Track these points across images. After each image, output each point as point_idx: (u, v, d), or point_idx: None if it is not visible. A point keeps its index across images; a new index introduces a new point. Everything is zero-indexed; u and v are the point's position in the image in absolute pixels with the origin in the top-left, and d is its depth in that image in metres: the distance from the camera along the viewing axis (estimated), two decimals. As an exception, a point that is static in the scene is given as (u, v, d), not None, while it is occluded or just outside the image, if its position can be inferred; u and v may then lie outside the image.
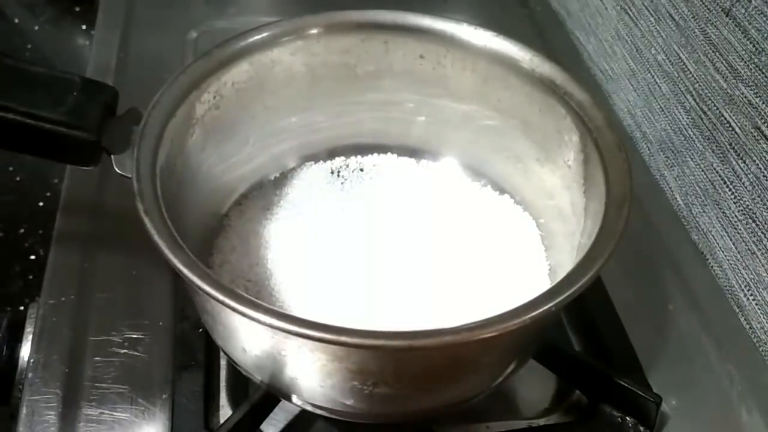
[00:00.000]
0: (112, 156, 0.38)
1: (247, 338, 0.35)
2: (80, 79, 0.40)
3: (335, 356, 0.32)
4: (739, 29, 0.48)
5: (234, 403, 0.43)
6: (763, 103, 0.46)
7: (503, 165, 0.48)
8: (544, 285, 0.43)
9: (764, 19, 0.45)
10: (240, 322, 0.34)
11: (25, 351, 0.43)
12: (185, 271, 0.31)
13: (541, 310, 0.31)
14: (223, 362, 0.44)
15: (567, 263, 0.41)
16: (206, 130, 0.42)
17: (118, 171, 0.37)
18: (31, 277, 0.56)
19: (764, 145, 0.46)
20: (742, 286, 0.50)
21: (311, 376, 0.35)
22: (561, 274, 0.42)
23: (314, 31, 0.44)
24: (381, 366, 0.34)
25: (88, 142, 0.38)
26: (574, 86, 0.42)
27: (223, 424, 0.40)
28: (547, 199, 0.45)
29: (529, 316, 0.31)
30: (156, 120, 0.38)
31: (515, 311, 0.31)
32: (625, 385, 0.42)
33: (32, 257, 0.58)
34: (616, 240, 0.34)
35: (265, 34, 0.43)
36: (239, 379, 0.44)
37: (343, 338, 0.29)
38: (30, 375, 0.42)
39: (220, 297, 0.30)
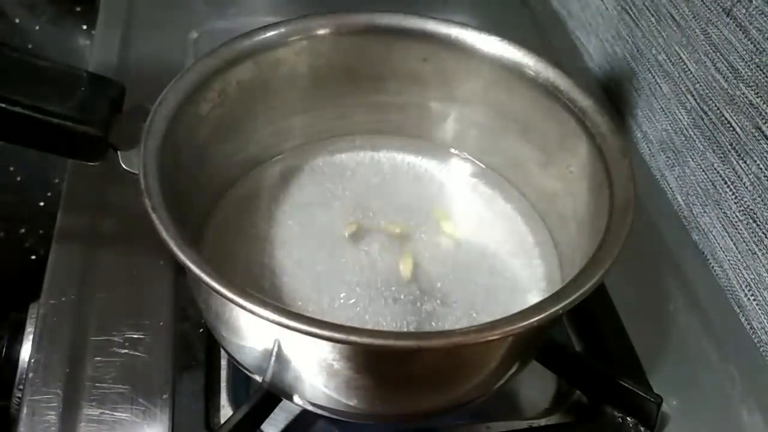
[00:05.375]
0: (118, 152, 0.38)
1: (252, 337, 0.36)
2: (87, 74, 0.40)
3: (342, 356, 0.32)
4: (740, 29, 0.48)
5: (234, 403, 0.43)
6: (764, 103, 0.46)
7: (505, 168, 0.48)
8: (544, 289, 0.43)
9: (765, 19, 0.45)
10: (246, 320, 0.34)
11: (26, 351, 0.43)
12: (194, 268, 0.31)
13: (548, 313, 0.31)
14: (223, 362, 0.44)
15: (568, 267, 0.42)
16: (211, 128, 0.42)
17: (125, 167, 0.37)
18: (31, 277, 0.56)
19: (765, 145, 0.46)
20: (743, 286, 0.50)
21: (315, 375, 0.35)
22: (561, 278, 0.43)
23: (319, 32, 0.45)
24: (387, 366, 0.34)
25: (95, 137, 0.38)
26: (577, 92, 0.42)
27: (223, 424, 0.40)
28: (548, 204, 0.46)
29: (536, 318, 0.31)
30: (162, 117, 0.38)
31: (523, 314, 0.31)
32: (626, 385, 0.43)
33: (33, 257, 0.58)
34: (620, 245, 0.34)
35: (270, 34, 0.43)
36: (240, 379, 0.44)
37: (352, 338, 0.29)
38: (30, 375, 0.42)
39: (230, 295, 0.30)
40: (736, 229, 0.50)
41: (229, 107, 0.43)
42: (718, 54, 0.50)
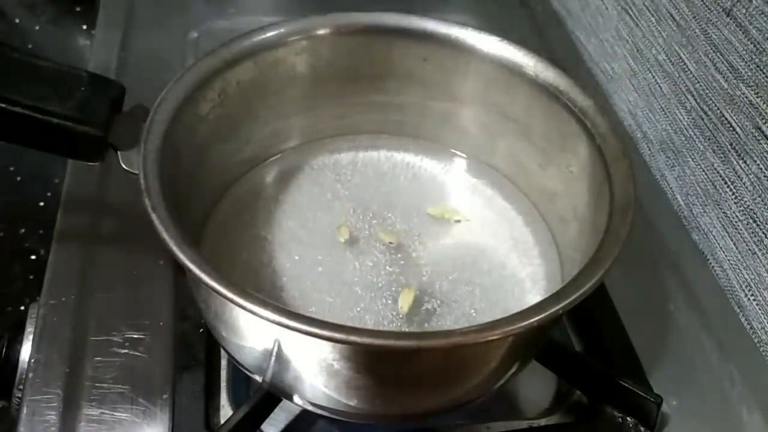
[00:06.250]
0: (118, 152, 0.38)
1: (252, 337, 0.36)
2: (87, 74, 0.40)
3: (342, 356, 0.32)
4: (740, 29, 0.48)
5: (235, 403, 0.43)
6: (764, 103, 0.46)
7: (505, 168, 0.48)
8: (544, 289, 0.43)
9: (765, 19, 0.45)
10: (246, 320, 0.34)
11: (26, 351, 0.43)
12: (194, 268, 0.31)
13: (548, 313, 0.31)
14: (223, 362, 0.44)
15: (568, 267, 0.42)
16: (211, 128, 0.42)
17: (125, 167, 0.37)
18: (31, 277, 0.56)
19: (765, 146, 0.46)
20: (743, 287, 0.50)
21: (315, 375, 0.35)
22: (561, 278, 0.43)
23: (319, 32, 0.45)
24: (387, 366, 0.34)
25: (95, 137, 0.38)
26: (578, 92, 0.42)
27: (223, 424, 0.40)
28: (548, 204, 0.46)
29: (536, 318, 0.31)
30: (162, 117, 0.38)
31: (523, 314, 0.31)
32: (626, 385, 0.43)
33: (32, 257, 0.58)
34: (620, 245, 0.34)
35: (270, 34, 0.43)
36: (240, 379, 0.44)
37: (352, 338, 0.29)
38: (30, 375, 0.42)
39: (230, 295, 0.30)
40: (736, 229, 0.50)
41: (229, 107, 0.43)
42: (718, 54, 0.50)
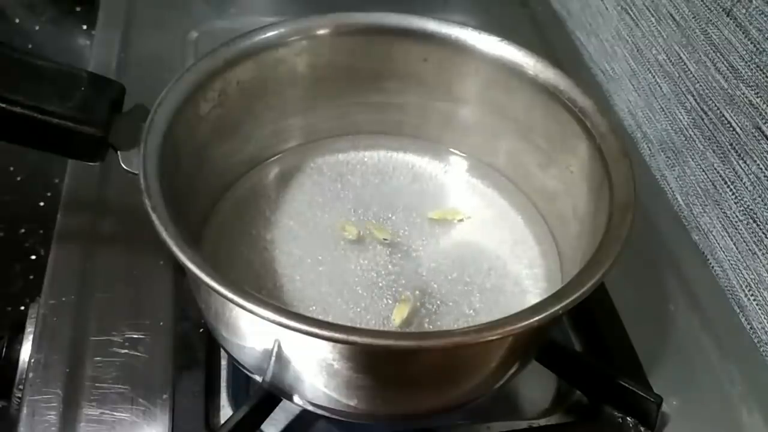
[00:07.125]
0: (118, 152, 0.38)
1: (252, 337, 0.36)
2: (87, 74, 0.40)
3: (342, 356, 0.32)
4: (740, 29, 0.48)
5: (235, 403, 0.43)
6: (764, 103, 0.46)
7: (505, 168, 0.48)
8: (544, 289, 0.43)
9: (765, 19, 0.45)
10: (246, 320, 0.34)
11: (26, 351, 0.43)
12: (194, 268, 0.31)
13: (548, 312, 0.31)
14: (224, 362, 0.44)
15: (568, 267, 0.42)
16: (210, 128, 0.42)
17: (125, 167, 0.37)
18: (31, 277, 0.56)
19: (765, 146, 0.46)
20: (743, 287, 0.50)
21: (315, 375, 0.35)
22: (561, 278, 0.43)
23: (320, 32, 0.45)
24: (387, 366, 0.34)
25: (95, 137, 0.38)
26: (578, 92, 0.42)
27: (223, 424, 0.40)
28: (548, 204, 0.46)
29: (536, 318, 0.31)
30: (162, 117, 0.38)
31: (523, 314, 0.31)
32: (626, 385, 0.42)
33: (33, 257, 0.58)
34: (621, 245, 0.34)
35: (270, 34, 0.43)
36: (240, 379, 0.44)
37: (352, 338, 0.29)
38: (30, 375, 0.42)
39: (230, 295, 0.30)
40: (736, 229, 0.50)
41: (229, 107, 0.43)
42: (718, 54, 0.50)
